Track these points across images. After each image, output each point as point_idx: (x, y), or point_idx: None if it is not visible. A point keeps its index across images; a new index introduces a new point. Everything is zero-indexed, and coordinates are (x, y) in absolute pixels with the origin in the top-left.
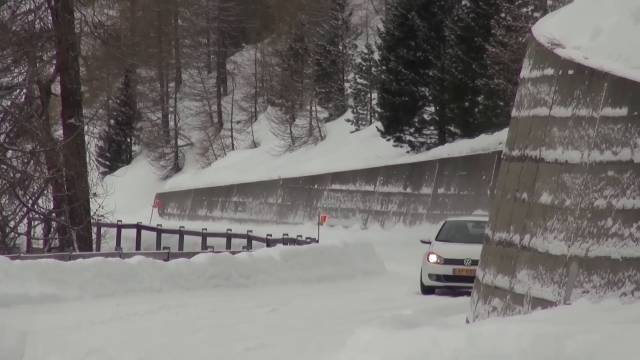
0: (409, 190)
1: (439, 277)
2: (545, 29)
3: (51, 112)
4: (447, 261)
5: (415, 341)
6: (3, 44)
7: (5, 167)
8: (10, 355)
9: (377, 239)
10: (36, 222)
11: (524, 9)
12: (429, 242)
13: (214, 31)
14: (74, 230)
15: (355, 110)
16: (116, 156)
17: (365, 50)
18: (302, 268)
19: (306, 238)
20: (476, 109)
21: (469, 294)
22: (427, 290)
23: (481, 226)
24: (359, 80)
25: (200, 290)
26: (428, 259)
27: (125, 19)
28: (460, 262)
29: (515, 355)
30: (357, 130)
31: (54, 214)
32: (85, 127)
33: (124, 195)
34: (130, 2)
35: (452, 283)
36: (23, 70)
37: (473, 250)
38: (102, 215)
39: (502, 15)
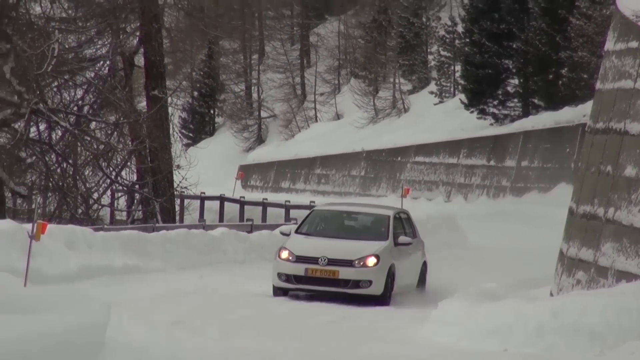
0: (492, 162)
1: (288, 278)
2: (629, 1)
3: (134, 84)
4: (300, 259)
5: (500, 314)
6: (87, 16)
7: (88, 138)
8: (94, 326)
9: (460, 212)
10: (119, 194)
11: None
12: (287, 234)
13: (298, 3)
14: (157, 202)
15: (438, 82)
16: (199, 128)
17: (449, 23)
18: None
19: None
20: (560, 82)
21: (324, 299)
22: (277, 292)
23: (353, 218)
24: (442, 53)
25: None
26: (279, 255)
27: None
28: (314, 260)
29: (600, 328)
30: (440, 102)
31: (137, 186)
32: (169, 99)
33: (207, 167)
34: None
35: (303, 285)
36: (107, 42)
37: (333, 247)
38: (185, 187)
39: None
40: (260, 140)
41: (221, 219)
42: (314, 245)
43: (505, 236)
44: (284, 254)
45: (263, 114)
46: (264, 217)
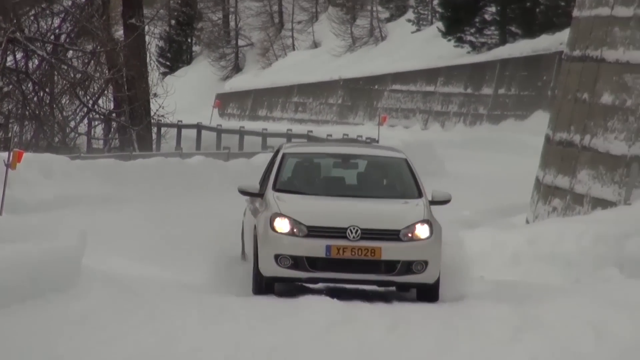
0: (469, 90)
1: (297, 263)
2: None
3: (112, 13)
4: (314, 231)
5: (475, 242)
6: None
7: (65, 67)
8: (70, 254)
9: (437, 140)
10: (96, 123)
11: None
12: (258, 194)
13: None
14: (134, 130)
15: (416, 10)
16: (176, 56)
17: None
18: None
19: (366, 138)
20: (537, 9)
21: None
22: (266, 285)
23: (352, 164)
24: None
25: None
26: (273, 226)
27: None
28: (340, 232)
29: (576, 255)
30: (418, 30)
31: (114, 114)
32: (146, 28)
33: (184, 95)
34: None
35: (322, 273)
36: None
37: (359, 210)
38: (162, 116)
39: None
40: (237, 69)
41: (198, 147)
42: (327, 208)
43: (482, 164)
44: (283, 224)
45: (240, 42)
46: (241, 145)
